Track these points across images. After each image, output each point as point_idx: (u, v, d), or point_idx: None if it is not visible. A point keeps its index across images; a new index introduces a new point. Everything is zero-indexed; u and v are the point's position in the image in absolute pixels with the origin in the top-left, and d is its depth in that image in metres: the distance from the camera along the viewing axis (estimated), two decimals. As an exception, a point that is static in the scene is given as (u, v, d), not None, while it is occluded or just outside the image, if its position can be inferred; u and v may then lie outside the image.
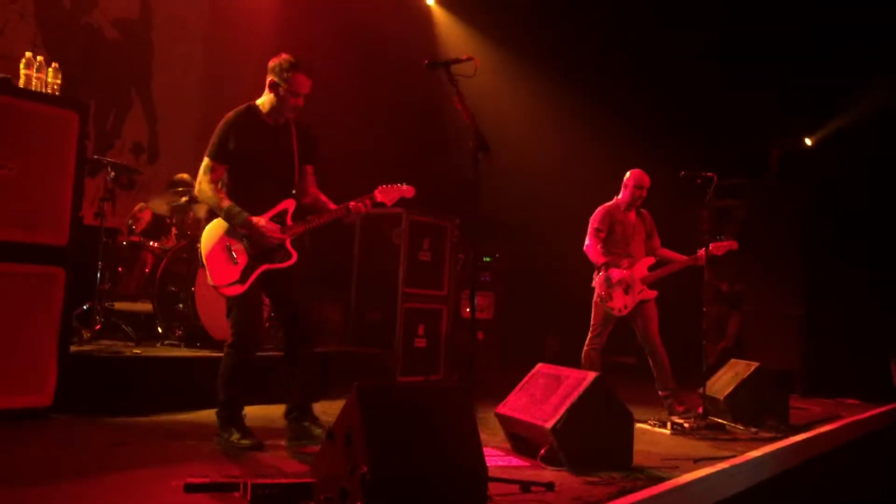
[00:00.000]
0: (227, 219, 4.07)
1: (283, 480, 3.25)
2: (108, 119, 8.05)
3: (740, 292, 8.96)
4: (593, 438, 4.06)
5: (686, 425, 5.48)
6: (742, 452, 4.78)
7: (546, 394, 4.31)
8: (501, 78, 9.69)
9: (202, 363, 5.53)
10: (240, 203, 4.06)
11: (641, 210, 6.39)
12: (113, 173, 6.33)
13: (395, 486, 2.65)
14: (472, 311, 3.73)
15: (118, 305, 6.36)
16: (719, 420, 5.75)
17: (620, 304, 6.03)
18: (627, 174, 6.31)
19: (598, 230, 6.17)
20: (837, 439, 6.12)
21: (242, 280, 4.05)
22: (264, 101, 4.24)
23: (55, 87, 4.69)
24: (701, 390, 5.88)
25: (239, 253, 4.08)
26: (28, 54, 4.66)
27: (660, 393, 6.09)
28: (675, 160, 6.73)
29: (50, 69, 4.69)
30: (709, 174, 5.94)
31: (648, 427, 5.53)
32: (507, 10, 9.61)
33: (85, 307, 6.10)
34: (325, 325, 7.57)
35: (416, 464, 2.76)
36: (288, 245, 4.18)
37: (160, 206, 6.76)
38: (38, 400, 4.43)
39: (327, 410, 4.70)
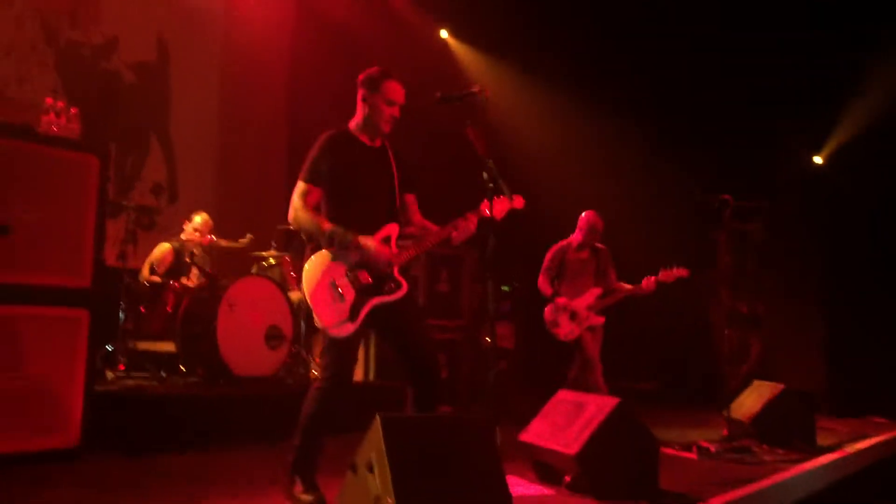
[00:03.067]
0: (330, 242, 3.66)
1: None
2: (128, 161, 8.18)
3: (761, 314, 8.91)
4: (618, 464, 4.03)
5: (712, 449, 5.43)
6: (770, 475, 4.73)
7: (569, 420, 4.29)
8: (522, 103, 9.75)
9: (225, 401, 5.57)
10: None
11: (598, 246, 6.68)
12: (134, 215, 6.44)
13: (420, 517, 2.66)
14: (493, 340, 3.74)
15: (141, 345, 6.42)
16: (745, 442, 5.69)
17: (566, 329, 6.41)
18: (582, 215, 6.64)
19: (548, 269, 6.63)
20: (867, 458, 6.04)
21: (353, 318, 3.62)
22: (357, 120, 3.90)
23: (75, 132, 4.78)
24: (725, 413, 5.84)
25: (345, 288, 3.65)
26: (48, 100, 4.76)
27: None
28: (691, 183, 6.75)
29: (70, 115, 4.78)
30: (724, 196, 5.94)
31: (674, 452, 5.48)
32: (522, 35, 9.70)
33: (109, 347, 6.17)
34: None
35: (440, 493, 2.76)
36: (396, 274, 3.77)
37: (181, 244, 6.85)
38: (65, 441, 4.46)
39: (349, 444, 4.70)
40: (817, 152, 10.21)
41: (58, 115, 4.70)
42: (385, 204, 3.87)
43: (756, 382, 6.48)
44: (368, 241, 3.66)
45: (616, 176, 9.89)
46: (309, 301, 3.63)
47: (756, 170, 9.47)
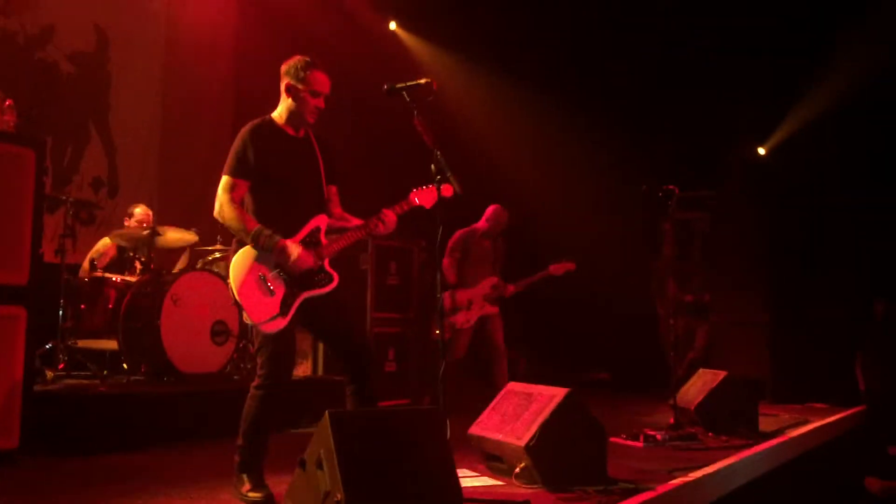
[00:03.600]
0: (255, 244, 3.60)
1: (257, 512, 3.21)
2: (66, 154, 7.96)
3: (707, 303, 9.07)
4: (567, 454, 4.06)
5: (658, 437, 5.51)
6: (714, 461, 4.81)
7: (518, 412, 4.31)
8: (469, 94, 9.75)
9: (170, 398, 5.47)
10: (267, 223, 3.64)
11: (499, 238, 7.03)
12: (72, 210, 6.26)
13: (369, 512, 2.64)
14: (441, 333, 3.73)
15: (81, 343, 6.26)
16: (691, 430, 5.79)
17: (463, 318, 6.68)
18: (490, 207, 7.00)
19: (452, 250, 6.85)
20: (807, 444, 6.19)
21: (283, 312, 3.58)
22: (281, 110, 3.82)
23: (10, 124, 4.63)
24: (671, 401, 5.93)
25: (274, 282, 3.60)
26: (-19, 92, 4.61)
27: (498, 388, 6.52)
28: (637, 174, 6.83)
29: (4, 106, 4.63)
30: (670, 187, 6.02)
31: (622, 440, 5.55)
32: (468, 26, 9.70)
33: (48, 346, 6.00)
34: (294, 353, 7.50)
35: (390, 488, 2.75)
36: (327, 266, 3.75)
37: (123, 239, 6.68)
38: (3, 443, 4.32)
39: (298, 440, 4.66)
40: (761, 143, 10.41)
41: (-9, 106, 4.56)
42: (312, 195, 3.83)
43: (701, 371, 6.59)
44: (292, 249, 3.59)
45: (564, 166, 9.96)
46: (238, 297, 3.57)
47: (702, 160, 9.63)
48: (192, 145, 8.91)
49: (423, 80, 3.65)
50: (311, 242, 3.72)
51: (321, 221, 3.80)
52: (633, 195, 6.39)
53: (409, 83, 3.67)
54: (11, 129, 4.62)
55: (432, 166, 3.63)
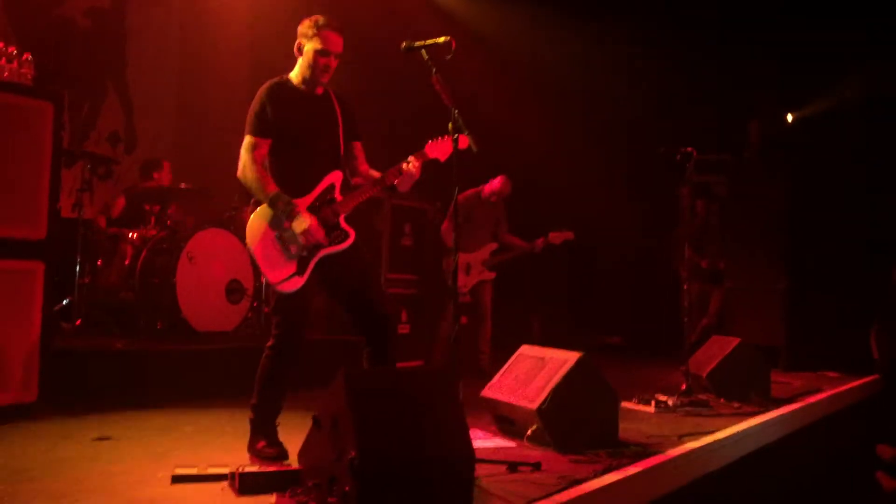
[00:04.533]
0: (272, 207, 3.61)
1: (272, 468, 3.25)
2: (83, 109, 7.97)
3: (722, 269, 9.02)
4: (578, 417, 4.08)
5: (670, 402, 5.52)
6: (725, 427, 4.82)
7: (530, 375, 4.32)
8: (491, 52, 9.63)
9: (185, 356, 5.53)
10: (282, 180, 3.64)
11: (500, 204, 7.11)
12: (90, 164, 6.28)
13: (383, 470, 2.66)
14: (455, 294, 3.73)
15: (99, 299, 6.31)
16: (702, 396, 5.79)
17: (461, 282, 6.77)
18: (498, 178, 7.03)
19: (454, 214, 6.59)
20: (819, 412, 6.19)
21: (300, 271, 3.58)
22: (296, 70, 3.81)
23: (28, 77, 4.62)
24: (683, 367, 5.93)
25: (291, 241, 3.60)
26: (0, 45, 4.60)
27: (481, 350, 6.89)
28: (656, 135, 6.76)
29: (22, 60, 4.62)
30: (688, 149, 5.95)
31: (633, 405, 5.56)
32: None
33: (65, 301, 6.05)
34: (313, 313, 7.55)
35: (403, 447, 2.77)
36: (342, 223, 3.73)
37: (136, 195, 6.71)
38: (22, 396, 4.39)
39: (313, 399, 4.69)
40: (790, 111, 10.24)
41: (9, 60, 4.55)
42: (329, 152, 3.81)
43: (714, 337, 6.58)
44: (305, 220, 3.57)
45: (584, 129, 9.87)
46: (255, 257, 3.60)
47: (725, 124, 9.50)
48: (209, 102, 8.88)
49: (441, 39, 3.60)
50: (326, 199, 3.72)
51: (336, 178, 3.78)
52: (652, 158, 6.32)
53: (427, 41, 3.63)
54: (29, 82, 4.61)
55: (450, 125, 3.61)
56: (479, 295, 6.97)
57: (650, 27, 9.39)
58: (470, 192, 7.02)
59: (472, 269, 6.90)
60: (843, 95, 9.61)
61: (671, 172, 6.22)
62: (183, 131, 8.72)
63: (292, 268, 3.58)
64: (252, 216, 3.65)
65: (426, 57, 3.61)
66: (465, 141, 3.70)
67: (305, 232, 3.56)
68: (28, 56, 4.66)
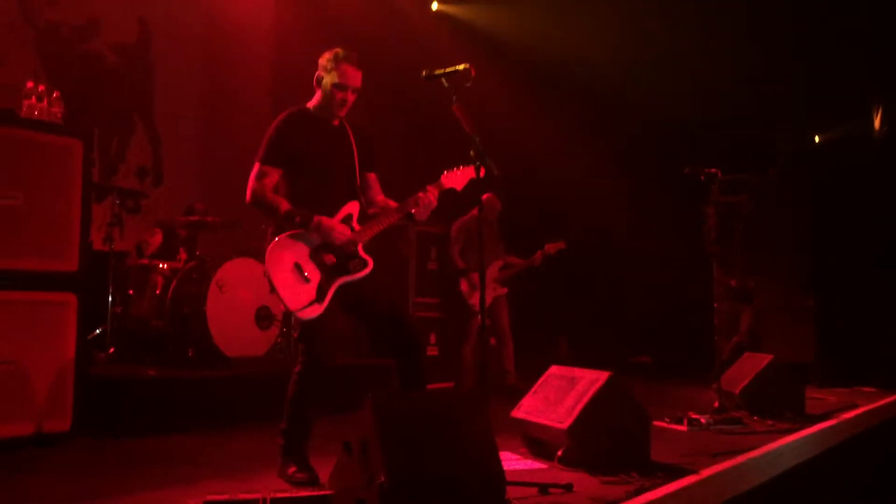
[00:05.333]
0: (290, 223, 3.65)
1: (302, 493, 3.26)
2: (112, 144, 8.12)
3: (751, 288, 8.95)
4: (610, 438, 4.05)
5: (702, 420, 5.46)
6: (760, 445, 4.76)
7: (560, 395, 4.30)
8: (507, 79, 9.68)
9: (217, 383, 5.57)
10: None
11: (494, 223, 7.24)
12: (119, 198, 6.39)
13: (412, 493, 2.66)
14: (482, 317, 3.74)
15: (130, 328, 6.39)
16: (736, 414, 5.73)
17: (476, 300, 6.81)
18: (484, 196, 6.98)
19: (455, 240, 7.06)
20: (855, 428, 6.09)
21: (320, 299, 3.61)
22: (314, 100, 3.88)
23: (58, 115, 4.73)
24: (716, 385, 5.88)
25: (310, 269, 3.64)
26: (29, 84, 4.71)
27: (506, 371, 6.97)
28: (679, 156, 6.75)
29: (52, 98, 4.73)
30: (712, 170, 5.95)
31: (665, 424, 5.51)
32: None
33: (98, 331, 6.15)
34: (337, 338, 7.58)
35: (433, 470, 2.77)
36: (361, 252, 3.77)
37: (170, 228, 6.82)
38: (57, 425, 4.46)
39: (343, 424, 4.70)
40: (818, 132, 10.17)
41: (39, 98, 4.66)
42: (345, 183, 3.86)
43: (746, 354, 6.52)
44: (327, 221, 3.65)
45: (610, 151, 9.86)
46: (274, 285, 3.61)
47: (751, 143, 9.46)
48: (233, 134, 9.00)
49: (461, 66, 3.64)
50: None
51: (353, 208, 3.82)
52: (675, 178, 6.32)
53: (447, 69, 3.67)
54: (59, 120, 4.72)
55: (471, 152, 3.64)
56: (495, 314, 7.05)
57: (675, 41, 9.36)
58: (463, 218, 7.09)
59: (486, 288, 6.90)
60: (868, 126, 9.54)
61: (696, 192, 6.21)
62: (208, 163, 8.84)
63: (311, 295, 3.60)
64: (270, 245, 3.67)
65: (446, 85, 3.65)
66: (481, 171, 3.73)
67: (332, 232, 3.63)
68: (58, 94, 4.77)
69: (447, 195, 3.94)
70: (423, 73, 3.74)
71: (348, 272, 3.71)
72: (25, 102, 4.61)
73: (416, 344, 3.81)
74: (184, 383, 5.41)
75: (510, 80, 9.30)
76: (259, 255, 6.66)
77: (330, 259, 3.69)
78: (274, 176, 3.74)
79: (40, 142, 4.52)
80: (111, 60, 8.20)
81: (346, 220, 3.79)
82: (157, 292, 6.38)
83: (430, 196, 3.83)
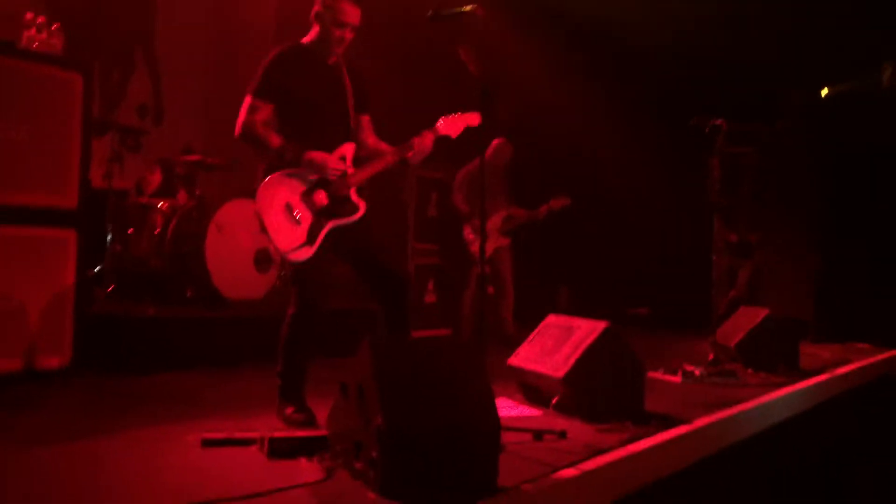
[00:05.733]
0: (280, 159, 3.60)
1: (300, 433, 3.29)
2: (113, 79, 8.02)
3: (753, 242, 8.94)
4: (604, 387, 4.08)
5: (697, 372, 5.50)
6: (753, 397, 4.80)
7: (557, 344, 4.33)
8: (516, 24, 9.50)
9: (215, 323, 5.60)
10: None
11: (507, 172, 7.15)
12: (119, 135, 6.34)
13: (409, 436, 2.68)
14: (482, 265, 3.74)
15: (130, 266, 6.40)
16: (730, 366, 5.77)
17: (475, 249, 6.74)
18: (493, 141, 7.00)
19: (459, 186, 6.98)
20: (847, 383, 6.14)
21: (310, 241, 3.57)
22: (311, 37, 3.79)
23: (57, 48, 4.66)
24: (711, 338, 5.91)
25: (301, 211, 3.60)
26: (29, 15, 4.62)
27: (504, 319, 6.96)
28: (686, 107, 6.67)
29: (52, 30, 4.65)
30: (718, 121, 5.89)
31: (660, 376, 5.55)
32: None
33: (97, 269, 6.15)
34: (334, 282, 7.60)
35: (429, 414, 2.79)
36: (353, 195, 3.74)
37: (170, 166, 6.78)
38: (56, 361, 4.50)
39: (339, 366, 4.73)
40: (826, 85, 10.02)
41: (39, 30, 4.59)
42: (340, 123, 3.80)
43: (743, 308, 6.55)
44: (320, 156, 3.60)
45: (611, 101, 9.74)
46: (265, 226, 3.57)
47: (758, 95, 9.34)
48: (237, 72, 8.86)
49: (468, 7, 3.57)
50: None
51: (348, 149, 3.77)
52: (683, 127, 6.25)
53: (454, 10, 3.60)
54: (59, 52, 4.65)
55: (479, 95, 3.59)
56: (497, 263, 6.99)
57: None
58: (469, 166, 7.00)
59: (488, 237, 6.89)
60: (877, 80, 9.38)
61: (701, 143, 6.15)
62: (210, 102, 8.74)
63: (302, 237, 3.58)
64: (262, 184, 3.62)
65: (453, 26, 3.59)
66: (476, 118, 3.76)
67: (324, 167, 3.60)
68: (57, 26, 4.69)
69: (443, 141, 3.89)
70: (430, 13, 3.67)
71: (340, 216, 3.67)
72: (25, 33, 4.54)
73: (402, 291, 3.80)
74: (183, 323, 5.44)
75: (513, 26, 9.14)
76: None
77: (322, 201, 3.65)
78: (265, 111, 3.68)
79: (39, 74, 4.47)
80: (112, -6, 8.06)
81: (340, 161, 3.75)
82: (157, 231, 6.36)
83: (426, 141, 3.79)
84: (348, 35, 3.74)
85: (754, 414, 4.57)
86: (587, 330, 4.25)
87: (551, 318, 4.70)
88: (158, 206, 6.47)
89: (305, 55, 3.78)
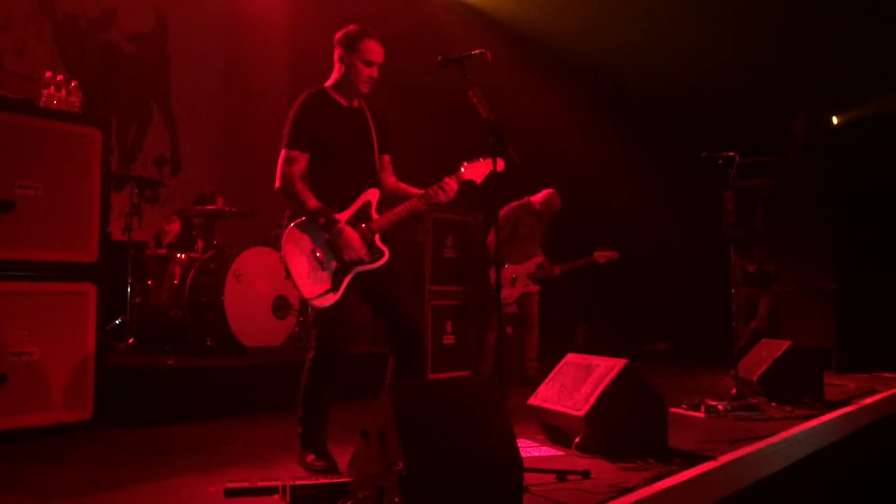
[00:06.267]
0: (313, 222, 3.62)
1: (322, 480, 3.28)
2: (130, 133, 8.16)
3: (770, 273, 8.89)
4: (627, 425, 4.05)
5: (720, 407, 5.44)
6: (778, 431, 4.74)
7: (577, 383, 4.31)
8: (523, 65, 9.59)
9: (236, 372, 5.60)
10: (320, 194, 3.65)
11: (548, 221, 7.24)
12: (137, 188, 6.43)
13: (431, 480, 2.67)
14: (498, 305, 3.74)
15: (150, 318, 6.45)
16: (753, 400, 5.70)
17: (506, 293, 6.89)
18: (545, 191, 7.15)
19: (500, 228, 6.69)
20: (875, 413, 6.06)
21: (335, 288, 3.60)
22: (334, 80, 3.82)
23: (76, 105, 4.76)
24: (733, 372, 5.86)
25: (326, 257, 3.62)
26: (48, 74, 4.73)
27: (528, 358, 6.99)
28: (696, 140, 6.71)
29: (70, 87, 4.75)
30: (730, 153, 5.90)
31: (682, 411, 5.50)
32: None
33: (118, 321, 6.20)
34: (354, 327, 7.63)
35: (451, 457, 2.78)
36: (378, 242, 3.74)
37: (187, 217, 6.86)
38: (79, 414, 4.52)
39: (360, 411, 4.73)
40: (835, 113, 10.03)
41: (58, 88, 4.69)
42: (367, 168, 3.84)
43: (764, 340, 6.49)
44: (347, 234, 3.60)
45: (626, 137, 9.80)
46: (290, 271, 3.60)
47: (768, 125, 9.36)
48: (251, 122, 9.03)
49: (477, 51, 3.62)
50: (362, 216, 3.73)
51: (373, 196, 3.79)
52: (693, 163, 6.28)
53: (463, 54, 3.65)
54: (78, 109, 4.74)
55: (490, 139, 3.62)
56: (526, 306, 7.07)
57: (695, 24, 9.23)
58: (514, 203, 7.09)
59: (518, 282, 6.99)
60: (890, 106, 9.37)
61: (714, 176, 6.16)
62: (225, 152, 8.87)
63: (327, 284, 3.60)
64: (288, 230, 3.65)
65: (462, 70, 3.63)
66: (500, 163, 3.71)
67: (349, 248, 3.61)
68: (76, 83, 4.80)
69: (468, 185, 3.90)
70: (439, 58, 3.72)
71: (364, 261, 3.69)
72: (44, 92, 4.64)
73: (416, 344, 3.81)
74: (203, 372, 5.45)
75: (525, 66, 9.24)
76: (276, 245, 6.71)
77: None
78: (302, 161, 3.69)
79: (59, 131, 4.56)
80: (128, 50, 8.23)
81: (366, 207, 3.76)
82: (176, 282, 6.42)
83: (450, 187, 3.78)
84: (375, 73, 3.77)
85: (781, 448, 4.51)
86: (607, 367, 4.23)
87: (570, 357, 4.68)
88: (177, 256, 6.54)
89: (330, 100, 3.80)
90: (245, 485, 3.27)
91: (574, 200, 9.24)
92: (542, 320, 7.19)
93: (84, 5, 7.77)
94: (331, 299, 3.59)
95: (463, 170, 3.86)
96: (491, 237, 6.86)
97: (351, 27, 3.79)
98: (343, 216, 3.68)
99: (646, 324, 10.02)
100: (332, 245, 3.63)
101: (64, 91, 4.71)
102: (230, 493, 3.23)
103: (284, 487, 3.15)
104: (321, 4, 8.80)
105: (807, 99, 9.64)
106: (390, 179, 3.97)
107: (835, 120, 10.14)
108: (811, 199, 8.87)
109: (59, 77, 4.74)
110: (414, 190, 3.87)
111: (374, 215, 3.78)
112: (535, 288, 7.11)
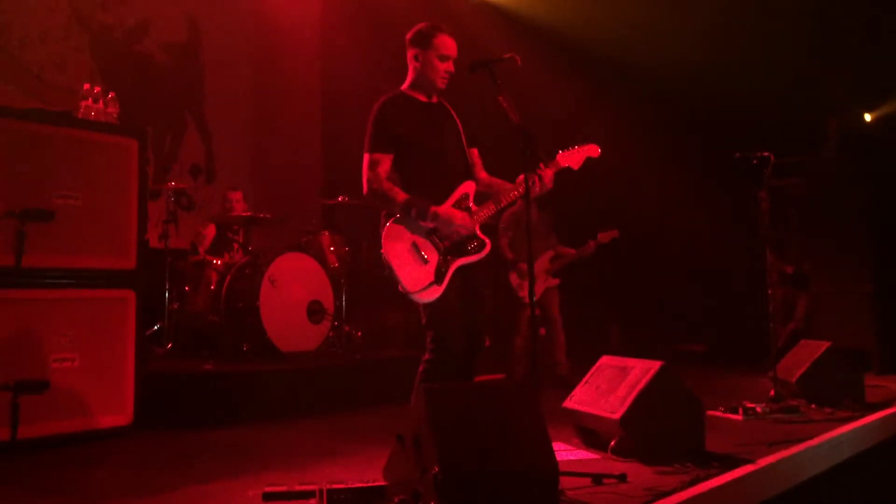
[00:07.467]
0: (406, 214, 3.56)
1: (358, 485, 3.30)
2: (165, 143, 8.28)
3: (807, 273, 8.78)
4: (663, 428, 4.01)
5: (758, 409, 5.38)
6: (818, 434, 4.67)
7: (612, 385, 4.28)
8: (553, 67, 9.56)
9: (272, 376, 5.65)
10: (415, 193, 3.60)
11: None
12: (174, 196, 6.53)
13: (466, 484, 2.68)
14: (532, 307, 3.73)
15: (187, 323, 6.53)
16: (793, 402, 5.63)
17: (526, 292, 6.62)
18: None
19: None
20: (918, 416, 5.94)
21: (438, 280, 3.53)
22: (410, 80, 3.79)
23: (113, 116, 4.85)
24: (771, 373, 5.78)
25: (428, 250, 3.57)
26: (86, 86, 4.83)
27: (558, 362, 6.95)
28: (730, 140, 6.64)
29: (107, 99, 4.85)
30: (765, 154, 5.84)
31: (720, 414, 5.44)
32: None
33: (156, 327, 6.29)
34: (387, 331, 7.66)
35: (486, 461, 2.78)
36: (478, 232, 3.68)
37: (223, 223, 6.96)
38: (119, 419, 4.60)
39: (398, 415, 4.75)
40: (868, 110, 9.88)
41: (96, 100, 4.78)
42: (458, 161, 3.79)
43: (803, 341, 6.39)
44: (444, 211, 3.57)
45: (657, 137, 9.72)
46: (392, 267, 3.53)
47: (801, 124, 9.23)
48: (284, 129, 9.12)
49: (506, 56, 3.63)
50: (461, 208, 3.69)
51: (469, 188, 3.75)
52: (726, 163, 6.22)
53: (492, 59, 3.66)
54: (115, 120, 4.83)
55: (521, 142, 3.61)
56: (546, 304, 7.03)
57: (726, 22, 9.14)
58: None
59: (537, 279, 6.92)
60: None
61: (748, 177, 6.10)
62: (259, 158, 8.96)
63: (430, 277, 3.54)
64: (386, 228, 3.60)
65: (492, 75, 3.63)
66: (595, 150, 3.88)
67: (454, 224, 3.57)
68: (112, 95, 4.89)
69: (565, 173, 3.86)
70: (469, 63, 3.73)
71: (467, 253, 3.65)
72: (83, 104, 4.74)
73: (478, 349, 3.78)
74: (239, 377, 5.51)
75: (557, 68, 9.21)
76: (309, 250, 6.78)
77: (447, 239, 3.62)
78: (386, 163, 3.65)
79: (97, 141, 4.65)
80: (162, 60, 8.35)
81: (463, 199, 3.72)
82: (212, 288, 6.50)
83: (547, 175, 3.73)
84: (451, 68, 3.76)
85: (821, 451, 4.44)
86: (642, 370, 4.20)
87: (605, 360, 4.66)
88: (213, 262, 6.62)
89: (409, 100, 3.78)
90: (283, 489, 3.30)
91: (604, 202, 9.21)
92: (575, 323, 7.15)
93: (119, 16, 7.90)
94: (435, 292, 3.54)
95: (560, 158, 3.83)
96: (503, 241, 6.96)
97: (421, 25, 3.77)
98: (442, 208, 3.62)
99: (680, 325, 9.92)
100: (437, 233, 3.60)
101: (101, 102, 4.80)
102: (268, 496, 3.27)
103: (321, 491, 3.17)
104: (351, 13, 8.87)
105: (839, 97, 9.49)
106: (482, 174, 3.93)
107: (868, 117, 9.99)
108: (845, 199, 8.74)
109: (97, 89, 4.83)
110: (507, 184, 3.82)
111: (473, 206, 3.71)
112: (554, 282, 7.09)
